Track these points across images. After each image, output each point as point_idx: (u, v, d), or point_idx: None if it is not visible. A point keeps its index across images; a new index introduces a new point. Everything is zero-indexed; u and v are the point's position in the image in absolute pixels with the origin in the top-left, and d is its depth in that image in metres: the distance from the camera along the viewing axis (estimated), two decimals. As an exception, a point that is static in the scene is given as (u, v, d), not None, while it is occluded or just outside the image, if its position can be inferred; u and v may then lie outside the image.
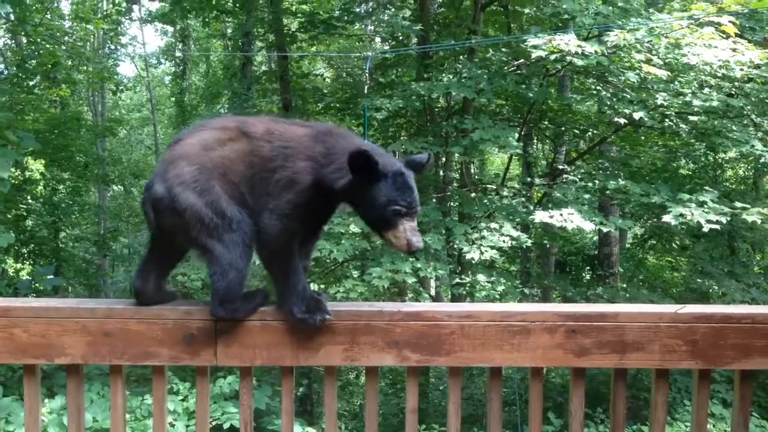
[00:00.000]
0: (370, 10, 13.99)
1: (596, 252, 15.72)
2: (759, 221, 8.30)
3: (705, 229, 8.04)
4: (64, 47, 15.09)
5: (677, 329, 2.14)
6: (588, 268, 17.70)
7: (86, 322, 2.07)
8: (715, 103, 8.66)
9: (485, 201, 9.94)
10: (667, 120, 9.64)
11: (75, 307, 2.10)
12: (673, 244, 14.53)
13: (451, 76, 10.39)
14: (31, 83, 15.07)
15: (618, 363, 2.17)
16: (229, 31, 19.50)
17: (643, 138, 12.07)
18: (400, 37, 13.45)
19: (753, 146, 8.75)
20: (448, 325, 2.14)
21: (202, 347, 2.10)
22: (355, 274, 10.90)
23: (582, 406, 2.29)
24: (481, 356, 2.16)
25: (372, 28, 16.42)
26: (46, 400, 5.92)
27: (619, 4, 9.31)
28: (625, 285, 13.85)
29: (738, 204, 8.47)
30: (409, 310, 2.16)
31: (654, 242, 15.91)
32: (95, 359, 2.09)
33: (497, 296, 9.16)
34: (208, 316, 2.09)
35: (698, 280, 12.35)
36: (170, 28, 22.71)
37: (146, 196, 2.11)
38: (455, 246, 9.31)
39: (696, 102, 8.75)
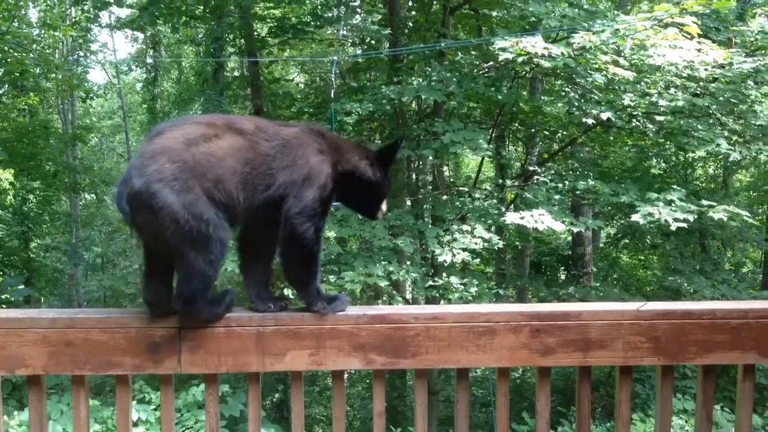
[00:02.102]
0: (341, 14, 13.99)
1: (570, 252, 15.85)
2: (725, 218, 8.43)
3: (673, 228, 8.15)
4: (32, 55, 14.91)
5: (639, 326, 2.16)
6: (563, 268, 17.85)
7: (47, 332, 2.03)
8: (680, 103, 8.79)
9: (457, 203, 9.98)
10: (634, 120, 9.76)
11: (35, 317, 2.07)
12: (645, 243, 14.71)
13: (421, 80, 10.43)
14: (-1, 92, 14.88)
15: (582, 361, 2.18)
16: (200, 36, 19.40)
17: (612, 138, 12.21)
18: (372, 42, 13.48)
19: (719, 145, 8.89)
20: (414, 328, 2.14)
21: (166, 355, 2.08)
22: (332, 278, 10.88)
23: (548, 405, 2.30)
24: (446, 358, 2.16)
25: (344, 32, 16.43)
26: (16, 412, 5.84)
27: (585, 6, 9.42)
28: (598, 284, 13.98)
29: (705, 202, 8.59)
30: (375, 313, 2.17)
31: (627, 241, 16.09)
32: (57, 370, 2.06)
33: (470, 298, 9.19)
34: (171, 324, 2.07)
35: (670, 277, 12.50)
36: (141, 35, 22.53)
37: (121, 190, 2.00)
38: (428, 249, 9.34)
39: (662, 102, 8.87)
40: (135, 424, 6.31)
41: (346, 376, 2.18)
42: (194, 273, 2.01)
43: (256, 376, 2.20)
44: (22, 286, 10.01)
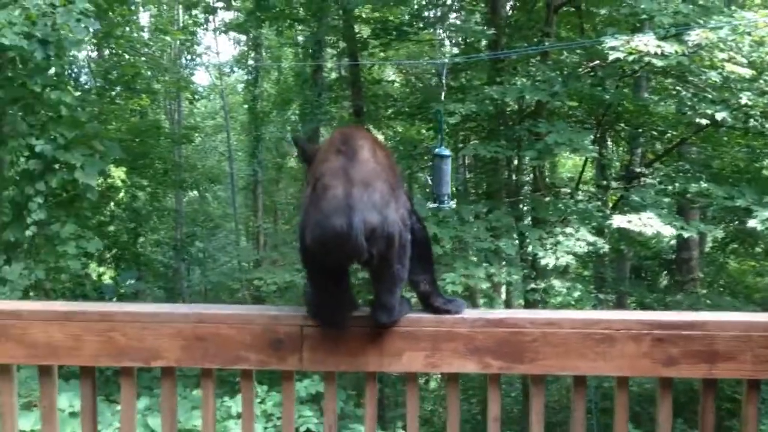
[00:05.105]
0: (440, 14, 13.99)
1: (674, 256, 15.25)
2: None
3: (793, 234, 7.76)
4: (143, 58, 15.62)
5: (771, 339, 2.06)
6: (665, 273, 17.17)
7: (181, 326, 2.13)
8: (803, 102, 8.34)
9: (560, 205, 9.80)
10: (751, 120, 9.33)
11: (170, 312, 2.17)
12: (757, 249, 14.00)
13: (524, 80, 10.29)
14: (113, 93, 15.64)
15: (707, 373, 2.11)
16: (300, 38, 19.78)
17: (725, 138, 11.67)
18: (472, 41, 13.40)
19: None
20: (531, 333, 2.11)
21: (288, 352, 2.14)
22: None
23: (670, 417, 2.24)
24: (564, 364, 2.12)
25: (441, 31, 16.42)
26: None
27: (700, 2, 9.05)
28: (705, 291, 13.38)
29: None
30: (491, 317, 2.16)
31: (735, 246, 15.33)
32: (188, 362, 2.16)
33: (572, 302, 9.02)
34: (294, 321, 2.12)
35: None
36: (243, 37, 23.17)
37: (359, 228, 1.89)
38: (528, 251, 9.21)
39: (782, 101, 8.45)
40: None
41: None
42: (398, 283, 2.05)
43: (373, 375, 2.23)
44: (134, 280, 10.49)
